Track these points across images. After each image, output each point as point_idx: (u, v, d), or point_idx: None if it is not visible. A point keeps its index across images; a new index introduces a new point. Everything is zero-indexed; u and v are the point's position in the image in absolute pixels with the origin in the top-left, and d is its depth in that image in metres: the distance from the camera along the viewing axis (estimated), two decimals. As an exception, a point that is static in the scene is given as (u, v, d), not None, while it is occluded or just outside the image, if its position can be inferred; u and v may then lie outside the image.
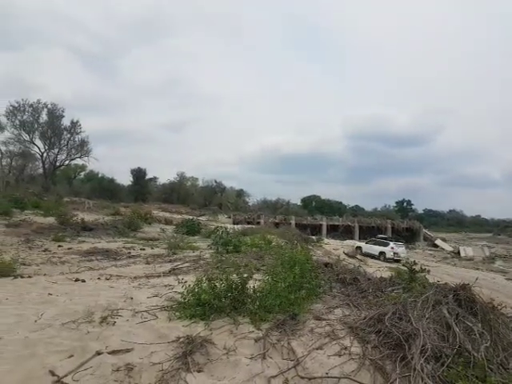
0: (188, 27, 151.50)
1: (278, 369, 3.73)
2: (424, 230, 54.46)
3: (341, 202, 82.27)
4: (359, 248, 28.76)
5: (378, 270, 12.08)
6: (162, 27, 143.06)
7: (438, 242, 47.37)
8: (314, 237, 33.47)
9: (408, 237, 51.33)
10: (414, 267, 8.06)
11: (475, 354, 3.60)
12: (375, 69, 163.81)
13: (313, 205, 77.30)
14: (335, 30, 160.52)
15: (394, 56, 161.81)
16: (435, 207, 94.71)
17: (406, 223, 55.93)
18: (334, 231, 51.88)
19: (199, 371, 3.65)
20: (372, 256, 26.14)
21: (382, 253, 25.90)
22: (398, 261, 23.75)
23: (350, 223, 53.73)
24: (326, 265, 9.36)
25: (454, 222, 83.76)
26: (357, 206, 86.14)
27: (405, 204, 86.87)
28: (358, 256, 24.49)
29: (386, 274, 9.30)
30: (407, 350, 3.78)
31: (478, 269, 27.23)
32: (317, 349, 4.15)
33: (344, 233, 50.86)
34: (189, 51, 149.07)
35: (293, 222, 49.87)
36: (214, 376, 3.62)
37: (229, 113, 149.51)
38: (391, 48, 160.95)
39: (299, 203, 78.56)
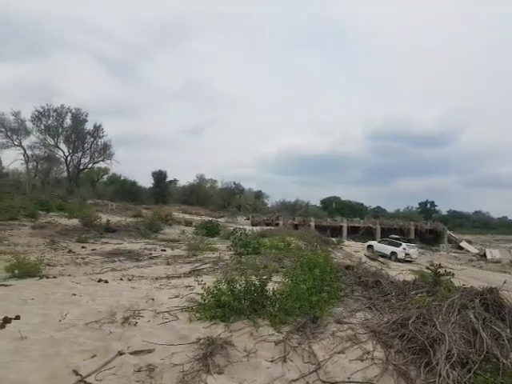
0: (206, 29, 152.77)
1: (298, 372, 3.69)
2: (448, 231, 53.12)
3: (362, 204, 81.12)
4: (371, 247, 28.56)
5: (400, 272, 11.86)
6: (181, 31, 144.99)
7: (463, 244, 46.15)
8: (334, 239, 33.10)
9: (432, 239, 50.22)
10: (438, 270, 7.87)
11: (504, 361, 3.49)
12: (396, 68, 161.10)
13: (333, 206, 76.49)
14: (351, 29, 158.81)
15: (416, 55, 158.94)
16: (460, 208, 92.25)
17: (430, 225, 54.61)
18: (355, 233, 51.10)
19: (219, 373, 3.65)
20: (383, 255, 25.90)
21: (393, 253, 25.62)
22: (409, 261, 23.87)
23: (371, 225, 52.88)
24: (347, 267, 9.25)
25: (480, 224, 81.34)
26: (378, 207, 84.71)
27: (428, 205, 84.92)
28: (380, 258, 24.09)
29: (410, 277, 9.12)
30: (432, 355, 3.70)
31: (505, 272, 26.34)
32: (338, 353, 4.09)
33: (365, 235, 49.94)
34: (207, 53, 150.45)
35: (312, 223, 49.44)
36: (235, 378, 3.61)
37: (246, 114, 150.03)
38: (413, 47, 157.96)
39: (319, 204, 77.93)
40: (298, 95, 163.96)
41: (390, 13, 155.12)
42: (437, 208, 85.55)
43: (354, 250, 28.00)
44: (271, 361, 3.92)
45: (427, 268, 8.62)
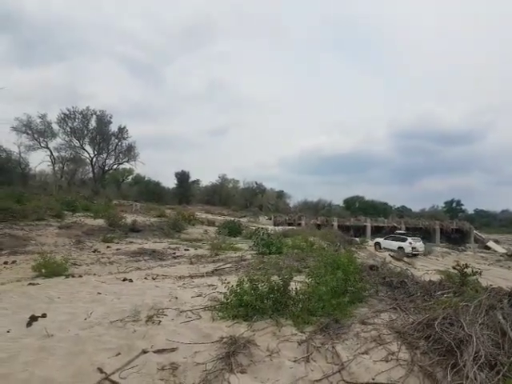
0: (230, 30, 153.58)
1: (322, 373, 3.65)
2: (475, 231, 51.52)
3: (386, 203, 79.59)
4: (378, 244, 29.39)
5: (426, 273, 11.58)
6: (205, 32, 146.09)
7: (490, 243, 44.66)
8: (357, 238, 32.71)
9: (458, 238, 48.88)
10: (465, 270, 7.64)
11: (534, 363, 3.34)
12: (421, 67, 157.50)
13: (356, 206, 75.44)
14: (376, 28, 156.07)
15: (442, 53, 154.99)
16: (487, 207, 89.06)
17: (456, 224, 53.09)
18: (379, 233, 50.27)
19: (242, 372, 3.65)
20: (390, 251, 26.45)
21: (400, 248, 26.60)
22: (415, 255, 25.44)
23: (395, 224, 51.83)
24: (372, 267, 9.09)
25: (508, 223, 78.22)
26: (403, 206, 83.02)
27: (454, 204, 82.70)
28: (405, 258, 23.64)
29: (435, 278, 8.89)
30: (459, 356, 3.59)
31: (535, 272, 25.33)
32: (362, 353, 4.02)
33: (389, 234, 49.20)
34: (231, 55, 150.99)
35: (335, 223, 48.96)
36: (258, 378, 3.59)
37: (268, 115, 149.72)
38: (438, 45, 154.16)
39: (342, 204, 77.10)
40: (322, 95, 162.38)
41: (415, 12, 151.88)
42: (463, 207, 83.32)
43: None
44: (294, 361, 3.88)
45: (453, 268, 8.35)
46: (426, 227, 51.16)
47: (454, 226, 52.27)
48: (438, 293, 6.45)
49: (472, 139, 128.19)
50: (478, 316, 4.31)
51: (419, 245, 27.36)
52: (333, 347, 4.16)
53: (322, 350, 4.12)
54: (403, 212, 73.89)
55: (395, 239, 28.39)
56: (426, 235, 48.78)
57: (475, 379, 3.21)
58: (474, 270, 8.24)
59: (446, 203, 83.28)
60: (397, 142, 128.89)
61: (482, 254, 37.16)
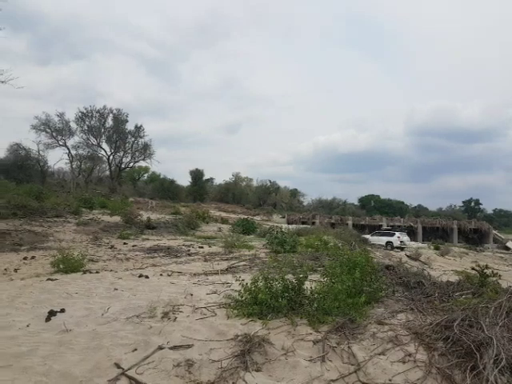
0: (244, 29, 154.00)
1: (338, 373, 3.62)
2: (494, 231, 50.53)
3: (402, 202, 78.65)
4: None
5: (443, 273, 11.39)
6: (219, 31, 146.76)
7: (510, 244, 43.71)
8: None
9: (476, 238, 48.05)
10: (484, 271, 7.48)
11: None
12: (439, 62, 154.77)
13: (371, 204, 74.71)
14: (389, 25, 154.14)
15: (460, 48, 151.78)
16: (506, 207, 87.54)
17: (474, 224, 52.08)
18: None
19: (258, 370, 3.64)
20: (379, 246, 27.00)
21: (389, 242, 28.32)
22: (402, 248, 26.89)
23: (412, 224, 51.19)
24: (388, 267, 8.97)
25: (528, 223, 76.81)
26: (420, 205, 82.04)
27: (472, 203, 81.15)
28: (421, 259, 23.28)
29: (453, 278, 8.73)
30: (478, 359, 3.50)
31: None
32: (379, 354, 3.96)
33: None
34: (245, 53, 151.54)
35: (350, 222, 48.62)
36: (273, 376, 3.58)
37: (282, 113, 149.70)
38: (455, 40, 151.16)
39: (357, 203, 76.46)
40: (337, 92, 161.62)
41: (431, 7, 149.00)
42: (482, 206, 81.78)
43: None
44: (310, 360, 3.85)
45: (472, 269, 8.20)
46: (443, 227, 50.39)
47: (472, 226, 51.33)
48: (457, 294, 6.32)
49: (492, 136, 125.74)
50: (498, 318, 4.22)
51: (406, 239, 29.68)
52: (349, 347, 4.11)
53: (338, 349, 4.08)
54: (420, 211, 72.89)
55: (383, 234, 30.33)
56: (443, 235, 48.11)
57: (496, 383, 3.14)
58: (494, 271, 8.08)
59: (464, 202, 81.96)
60: (414, 139, 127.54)
61: (502, 255, 36.36)
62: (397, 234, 29.43)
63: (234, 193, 66.43)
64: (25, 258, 11.30)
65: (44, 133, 46.49)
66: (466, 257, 28.73)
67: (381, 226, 47.28)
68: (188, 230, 24.37)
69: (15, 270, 9.49)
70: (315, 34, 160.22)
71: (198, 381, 3.44)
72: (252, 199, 67.16)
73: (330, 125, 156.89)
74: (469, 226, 51.43)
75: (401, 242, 28.34)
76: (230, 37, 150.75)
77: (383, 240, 29.01)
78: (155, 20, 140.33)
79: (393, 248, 26.99)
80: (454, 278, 8.62)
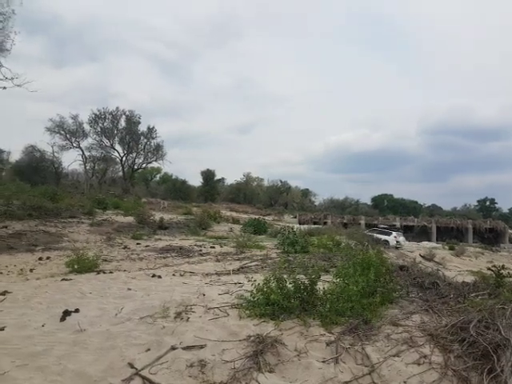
0: (257, 29, 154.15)
1: (351, 374, 3.58)
2: (510, 230, 49.59)
3: (416, 202, 77.65)
4: None
5: (458, 273, 11.21)
6: (232, 31, 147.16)
7: (527, 243, 42.85)
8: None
9: (491, 238, 47.23)
10: (501, 271, 7.33)
11: None
12: (454, 61, 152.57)
13: (384, 204, 73.99)
14: (401, 23, 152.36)
15: (473, 46, 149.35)
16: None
17: (490, 223, 51.25)
18: (409, 232, 49.14)
19: (271, 372, 3.62)
20: None
21: (385, 241, 27.21)
22: (398, 248, 26.06)
23: (426, 223, 50.55)
24: (402, 268, 8.86)
25: (545, 222, 75.08)
26: (434, 205, 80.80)
27: (488, 203, 79.77)
28: (436, 259, 22.98)
29: (468, 279, 8.58)
30: (496, 361, 3.43)
31: None
32: (393, 356, 3.91)
33: (420, 234, 47.88)
34: (257, 53, 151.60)
35: (362, 222, 48.20)
36: (286, 378, 3.56)
37: (294, 112, 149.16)
38: (470, 38, 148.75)
39: (369, 203, 75.82)
40: (349, 92, 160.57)
41: (446, 5, 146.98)
42: (497, 206, 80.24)
43: (407, 249, 27.02)
44: (323, 361, 3.82)
45: (488, 269, 8.04)
46: (457, 226, 49.68)
47: (487, 226, 50.53)
48: (473, 294, 6.20)
49: (508, 135, 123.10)
50: (515, 319, 4.12)
51: (402, 239, 29.62)
52: (362, 349, 4.06)
53: (352, 351, 4.03)
54: (434, 211, 71.90)
55: (379, 233, 29.50)
56: (457, 235, 47.40)
57: (513, 385, 3.07)
58: (511, 272, 7.91)
59: (479, 201, 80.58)
60: (428, 137, 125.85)
61: (518, 255, 35.68)
62: (394, 233, 29.37)
63: (245, 193, 66.56)
64: (40, 259, 11.46)
65: (58, 135, 47.37)
66: (482, 257, 28.26)
67: (394, 225, 46.81)
68: (199, 230, 24.44)
69: (31, 270, 9.62)
70: (328, 34, 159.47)
71: (211, 381, 3.43)
72: (263, 199, 67.20)
73: (342, 124, 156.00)
74: (484, 225, 50.63)
75: (397, 241, 28.20)
76: (244, 37, 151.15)
77: (380, 238, 28.38)
78: (168, 20, 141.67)
79: (389, 247, 26.42)
80: (469, 279, 8.48)
